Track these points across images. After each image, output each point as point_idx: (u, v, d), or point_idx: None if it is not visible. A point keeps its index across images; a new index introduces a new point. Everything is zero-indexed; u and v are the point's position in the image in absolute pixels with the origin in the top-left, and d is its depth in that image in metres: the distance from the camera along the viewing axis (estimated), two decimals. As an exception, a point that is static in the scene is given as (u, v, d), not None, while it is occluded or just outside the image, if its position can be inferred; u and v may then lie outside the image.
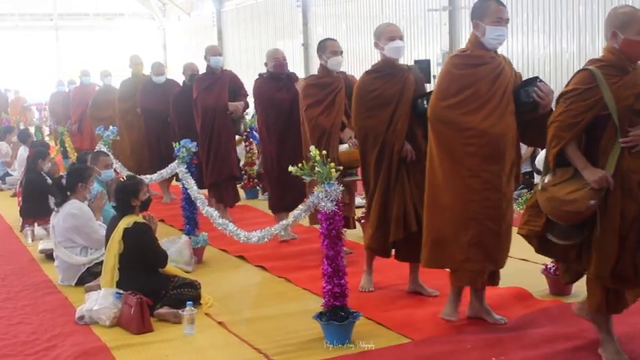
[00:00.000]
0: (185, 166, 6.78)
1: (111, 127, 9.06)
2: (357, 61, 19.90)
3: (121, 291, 5.26)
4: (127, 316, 5.07)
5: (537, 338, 4.48)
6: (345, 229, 6.11)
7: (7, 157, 13.24)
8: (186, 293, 5.34)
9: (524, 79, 4.90)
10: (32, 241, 8.02)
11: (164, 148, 9.80)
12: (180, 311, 5.06)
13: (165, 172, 7.37)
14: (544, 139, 4.24)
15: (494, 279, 4.89)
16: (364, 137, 5.47)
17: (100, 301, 5.25)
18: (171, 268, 5.72)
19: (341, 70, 6.68)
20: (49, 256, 6.97)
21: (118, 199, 5.61)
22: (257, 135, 9.96)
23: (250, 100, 8.42)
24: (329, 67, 6.44)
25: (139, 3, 35.96)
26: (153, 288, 5.30)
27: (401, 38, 5.46)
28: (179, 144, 6.88)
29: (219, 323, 5.14)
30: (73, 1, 35.14)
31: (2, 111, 19.29)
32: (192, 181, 6.69)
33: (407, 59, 19.07)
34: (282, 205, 7.38)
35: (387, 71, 5.47)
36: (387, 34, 5.43)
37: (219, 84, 8.53)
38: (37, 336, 5.06)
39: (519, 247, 4.83)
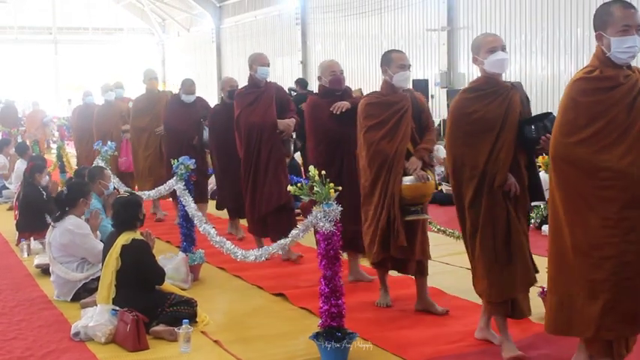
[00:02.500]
0: (183, 183, 6.77)
1: (109, 143, 9.06)
2: (356, 80, 19.99)
3: (117, 308, 5.24)
4: (123, 333, 5.05)
5: (534, 362, 4.46)
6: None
7: (4, 170, 13.22)
8: (182, 311, 5.32)
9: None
10: (28, 255, 7.99)
11: None
12: (176, 329, 5.04)
13: (163, 189, 7.36)
14: None
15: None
16: (459, 168, 4.61)
17: (96, 317, 5.22)
18: (167, 285, 5.70)
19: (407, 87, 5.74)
20: (44, 270, 6.95)
21: (120, 214, 5.58)
22: None
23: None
24: (394, 84, 5.52)
25: (138, 18, 36.15)
26: (149, 305, 5.28)
27: (503, 49, 4.67)
28: (177, 161, 6.88)
29: (215, 342, 5.12)
30: (73, 15, 35.33)
31: (13, 125, 18.20)
32: (190, 198, 6.68)
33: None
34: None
35: (489, 89, 4.63)
36: (488, 45, 4.64)
37: (265, 98, 7.32)
38: (31, 352, 5.03)
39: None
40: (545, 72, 15.68)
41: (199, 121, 9.20)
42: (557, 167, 3.87)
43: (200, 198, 9.16)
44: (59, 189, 9.38)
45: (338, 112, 6.18)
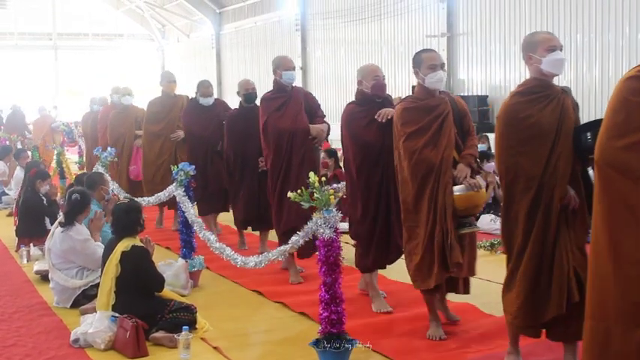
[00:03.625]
0: (183, 189, 6.77)
1: (109, 149, 9.04)
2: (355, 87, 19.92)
3: (117, 314, 5.23)
4: (122, 339, 5.04)
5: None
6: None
7: (3, 177, 13.22)
8: (182, 317, 5.31)
9: None
10: (27, 261, 7.97)
11: (213, 180, 8.69)
12: (175, 335, 5.03)
13: (162, 195, 7.35)
14: None
15: None
16: (512, 180, 4.26)
17: (96, 324, 5.21)
18: (167, 291, 5.69)
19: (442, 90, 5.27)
20: (44, 277, 6.93)
21: (121, 220, 5.57)
22: None
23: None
24: (428, 86, 5.09)
25: (138, 24, 36.18)
26: (149, 312, 5.28)
27: (561, 49, 4.34)
28: (177, 167, 6.88)
29: (215, 348, 5.11)
30: (73, 21, 35.36)
31: (19, 132, 17.55)
32: (190, 205, 6.68)
33: (406, 86, 19.25)
34: (374, 263, 5.93)
35: (542, 92, 4.27)
36: (547, 43, 4.28)
37: (293, 103, 6.78)
38: (31, 358, 5.02)
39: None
40: (545, 78, 15.69)
41: (222, 125, 8.43)
42: (603, 174, 3.41)
43: (224, 207, 8.95)
44: (58, 194, 9.41)
45: (383, 120, 5.63)
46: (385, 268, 6.15)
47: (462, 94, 17.66)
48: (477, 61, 18.05)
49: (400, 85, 19.59)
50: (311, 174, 4.51)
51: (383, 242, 5.85)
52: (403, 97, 5.48)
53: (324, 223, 4.49)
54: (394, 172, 5.33)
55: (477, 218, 5.02)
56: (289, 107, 6.74)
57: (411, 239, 5.12)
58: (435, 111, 5.04)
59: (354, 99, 6.06)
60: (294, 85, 6.98)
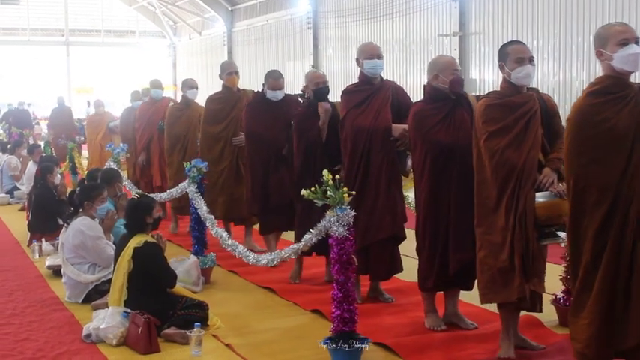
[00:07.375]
0: (195, 186, 6.78)
1: (121, 145, 9.04)
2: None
3: (129, 310, 5.25)
4: (135, 335, 5.05)
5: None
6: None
7: (16, 171, 13.28)
8: (193, 314, 5.33)
9: None
10: (40, 256, 8.01)
11: (275, 192, 7.21)
12: (187, 332, 5.04)
13: (175, 192, 7.35)
14: None
15: None
16: (582, 190, 3.77)
17: (108, 319, 5.23)
18: (179, 288, 5.71)
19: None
20: (56, 272, 6.96)
21: (130, 217, 5.60)
22: None
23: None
24: (514, 82, 4.61)
25: (150, 21, 36.25)
26: (161, 308, 5.29)
27: (637, 42, 3.81)
28: (189, 164, 6.87)
29: (227, 345, 5.12)
30: (85, 17, 35.48)
31: (68, 131, 15.77)
32: (202, 201, 6.68)
33: (418, 85, 19.21)
34: (439, 281, 5.28)
35: (619, 92, 3.79)
36: (618, 37, 3.81)
37: (378, 98, 5.81)
38: (43, 353, 5.04)
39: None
40: (557, 78, 15.61)
41: (289, 125, 6.81)
42: None
43: (289, 223, 7.06)
44: (69, 190, 9.44)
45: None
46: (443, 288, 5.46)
47: (473, 94, 17.65)
48: (489, 61, 18.00)
49: (412, 84, 19.56)
50: (324, 172, 4.49)
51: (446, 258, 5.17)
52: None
53: (337, 221, 4.48)
54: (466, 174, 4.85)
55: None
56: (372, 103, 5.80)
57: (482, 248, 4.64)
58: (520, 108, 4.54)
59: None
60: (383, 77, 6.04)
